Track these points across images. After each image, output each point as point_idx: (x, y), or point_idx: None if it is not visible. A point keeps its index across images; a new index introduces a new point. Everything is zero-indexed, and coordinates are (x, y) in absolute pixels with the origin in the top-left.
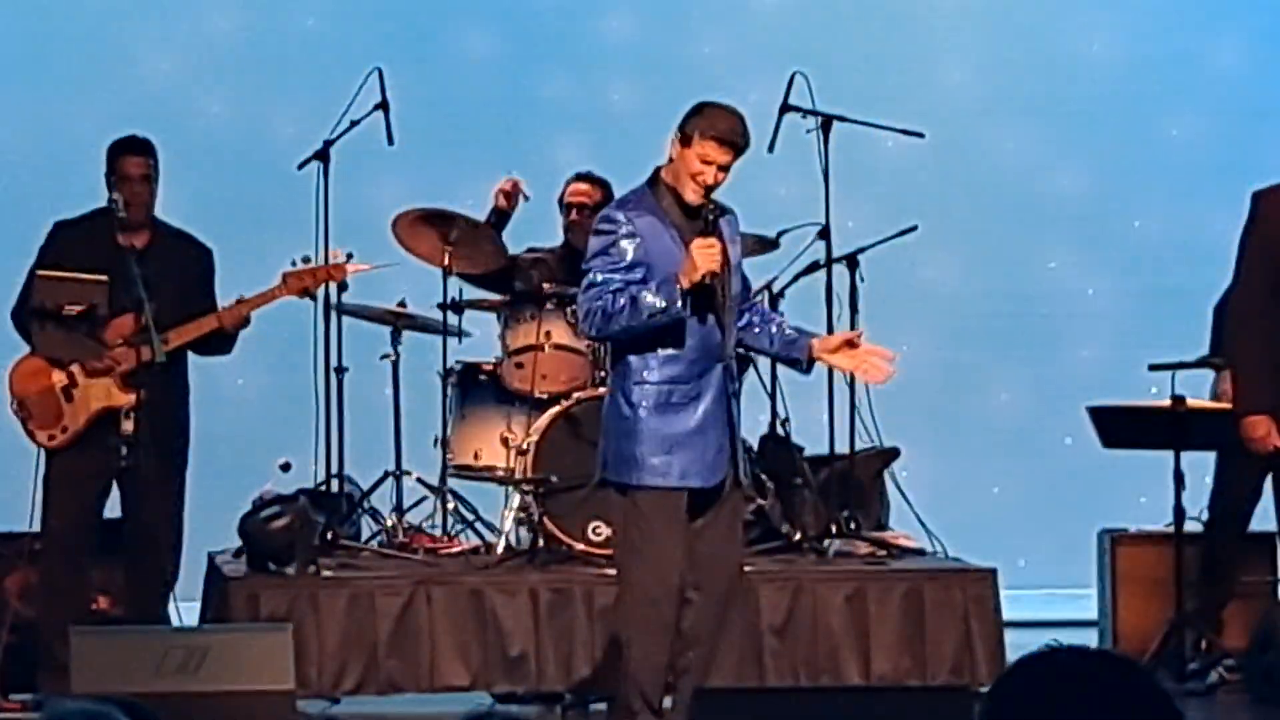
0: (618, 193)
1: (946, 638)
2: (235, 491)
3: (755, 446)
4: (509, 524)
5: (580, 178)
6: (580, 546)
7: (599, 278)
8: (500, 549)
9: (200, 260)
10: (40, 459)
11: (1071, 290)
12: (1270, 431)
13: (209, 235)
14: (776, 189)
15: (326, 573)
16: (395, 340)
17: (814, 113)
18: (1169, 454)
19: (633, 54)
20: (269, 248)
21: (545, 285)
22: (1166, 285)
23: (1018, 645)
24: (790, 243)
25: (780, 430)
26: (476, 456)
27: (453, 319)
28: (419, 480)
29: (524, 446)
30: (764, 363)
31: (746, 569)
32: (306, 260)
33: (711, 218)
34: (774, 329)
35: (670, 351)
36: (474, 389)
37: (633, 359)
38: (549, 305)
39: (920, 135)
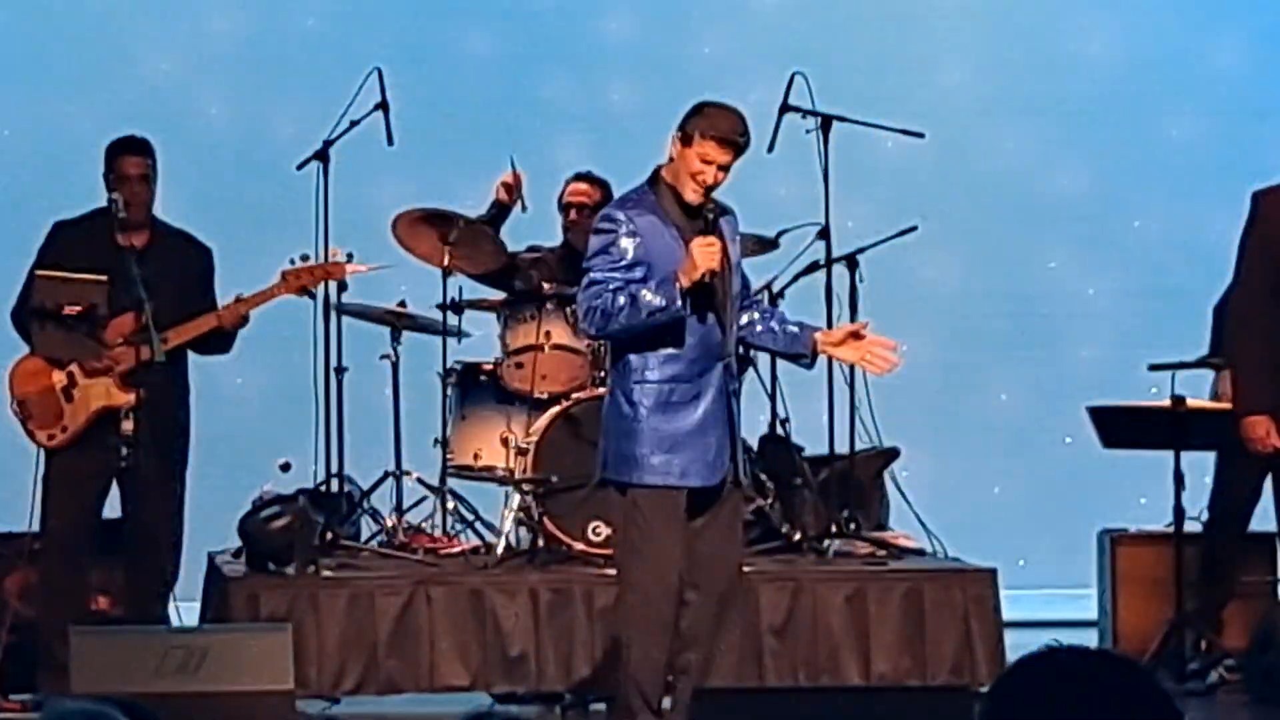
0: (617, 193)
1: (946, 638)
2: (235, 491)
3: (755, 446)
4: (509, 524)
5: (580, 178)
6: (580, 546)
7: (599, 276)
8: (500, 549)
9: (200, 260)
10: (40, 459)
11: (1071, 290)
12: (1270, 431)
13: (209, 235)
14: (776, 189)
15: (326, 573)
16: (395, 340)
17: (814, 113)
18: (1169, 454)
19: (633, 54)
20: (269, 248)
21: (545, 285)
22: (1166, 285)
23: (1018, 645)
24: (790, 243)
25: (780, 430)
26: (476, 457)
27: (452, 319)
28: (419, 480)
29: (524, 446)
30: (764, 363)
31: (747, 569)
32: (305, 258)
33: (711, 217)
34: (776, 325)
35: (670, 350)
36: (474, 389)
37: (633, 358)
38: (549, 305)
39: (920, 135)
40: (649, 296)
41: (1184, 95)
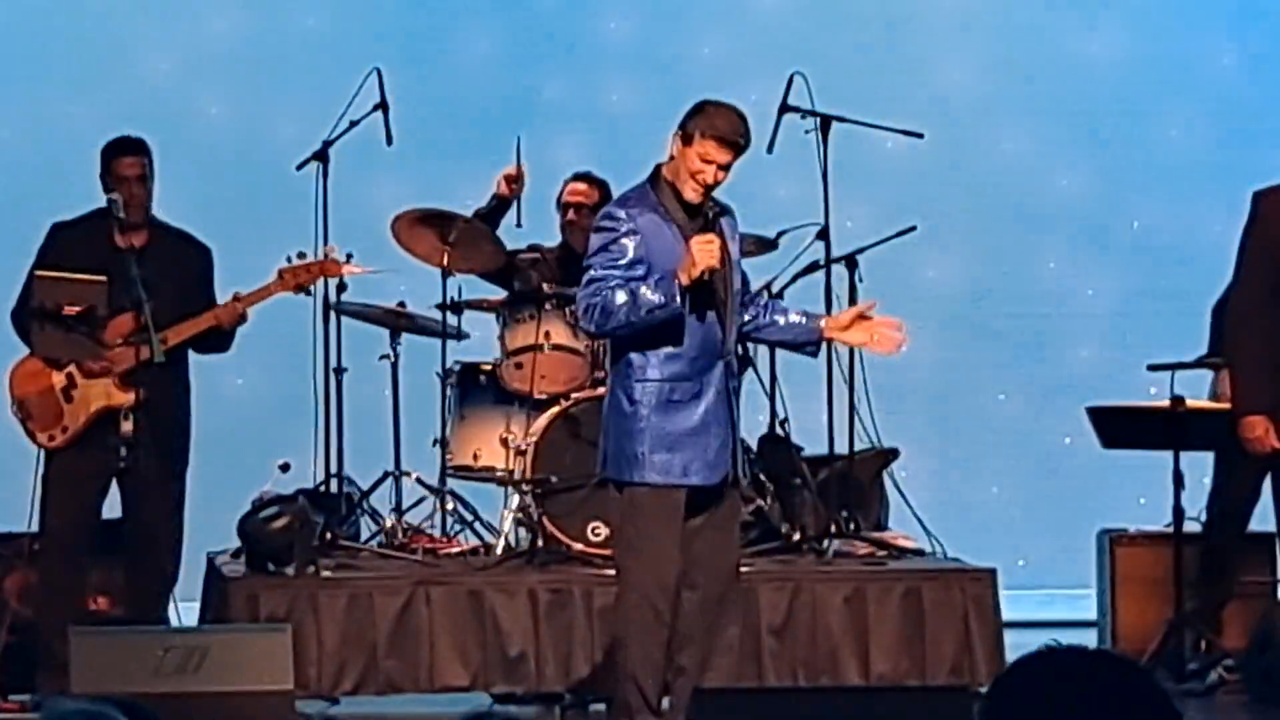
0: (616, 193)
1: (946, 638)
2: (235, 491)
3: (755, 446)
4: (508, 524)
5: (579, 177)
6: (579, 547)
7: (599, 274)
8: (499, 549)
9: (199, 259)
10: (40, 459)
11: (1071, 290)
12: (1268, 431)
13: (208, 235)
14: (776, 189)
15: (326, 573)
16: (394, 341)
17: (813, 113)
18: (1168, 454)
19: (633, 54)
20: (269, 248)
21: (544, 285)
22: (1166, 285)
23: (1017, 645)
24: (789, 243)
25: (779, 430)
26: (476, 457)
27: (451, 319)
28: (418, 481)
29: (523, 447)
30: (763, 363)
31: (746, 569)
32: (302, 256)
33: (711, 216)
34: (780, 317)
35: (671, 349)
36: (473, 389)
37: (634, 356)
38: (548, 306)
39: (920, 135)
40: (648, 294)
41: (1184, 95)
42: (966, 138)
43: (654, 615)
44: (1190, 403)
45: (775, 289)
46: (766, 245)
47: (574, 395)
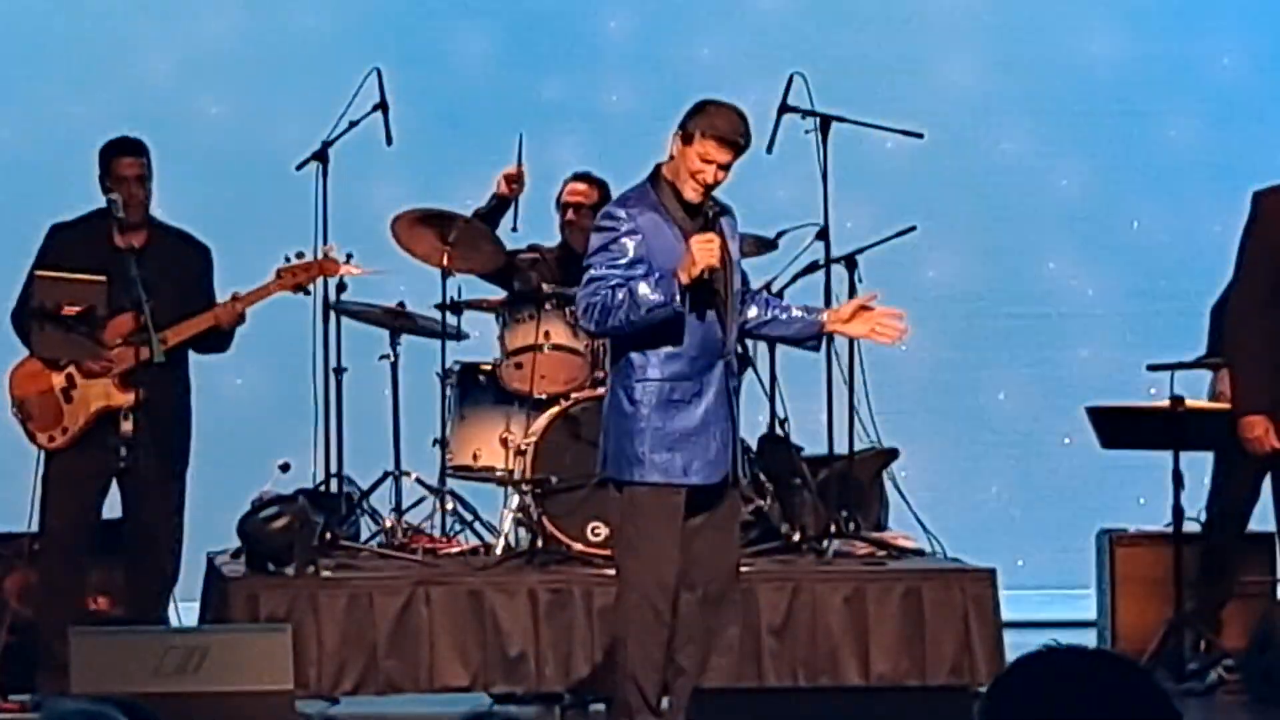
0: (615, 193)
1: (946, 638)
2: (234, 492)
3: (754, 446)
4: (508, 524)
5: (578, 177)
6: (579, 547)
7: (599, 273)
8: (499, 549)
9: (198, 259)
10: (40, 459)
11: (1071, 290)
12: (1268, 431)
13: (208, 235)
14: (775, 190)
15: (325, 573)
16: (394, 341)
17: (813, 113)
18: (1168, 454)
19: (633, 54)
20: (268, 248)
21: (544, 285)
22: (1165, 286)
23: (1017, 645)
24: (789, 243)
25: (779, 430)
26: (475, 457)
27: (451, 319)
28: (418, 481)
29: (523, 447)
30: (763, 362)
31: (746, 569)
32: (300, 255)
33: (711, 215)
34: (781, 314)
35: (671, 348)
36: (473, 389)
37: (634, 356)
38: (548, 306)
39: (919, 136)
40: (648, 292)
41: (1184, 95)
42: (966, 138)
43: (654, 615)
44: (1190, 403)
45: (775, 289)
46: (766, 245)
47: (574, 395)
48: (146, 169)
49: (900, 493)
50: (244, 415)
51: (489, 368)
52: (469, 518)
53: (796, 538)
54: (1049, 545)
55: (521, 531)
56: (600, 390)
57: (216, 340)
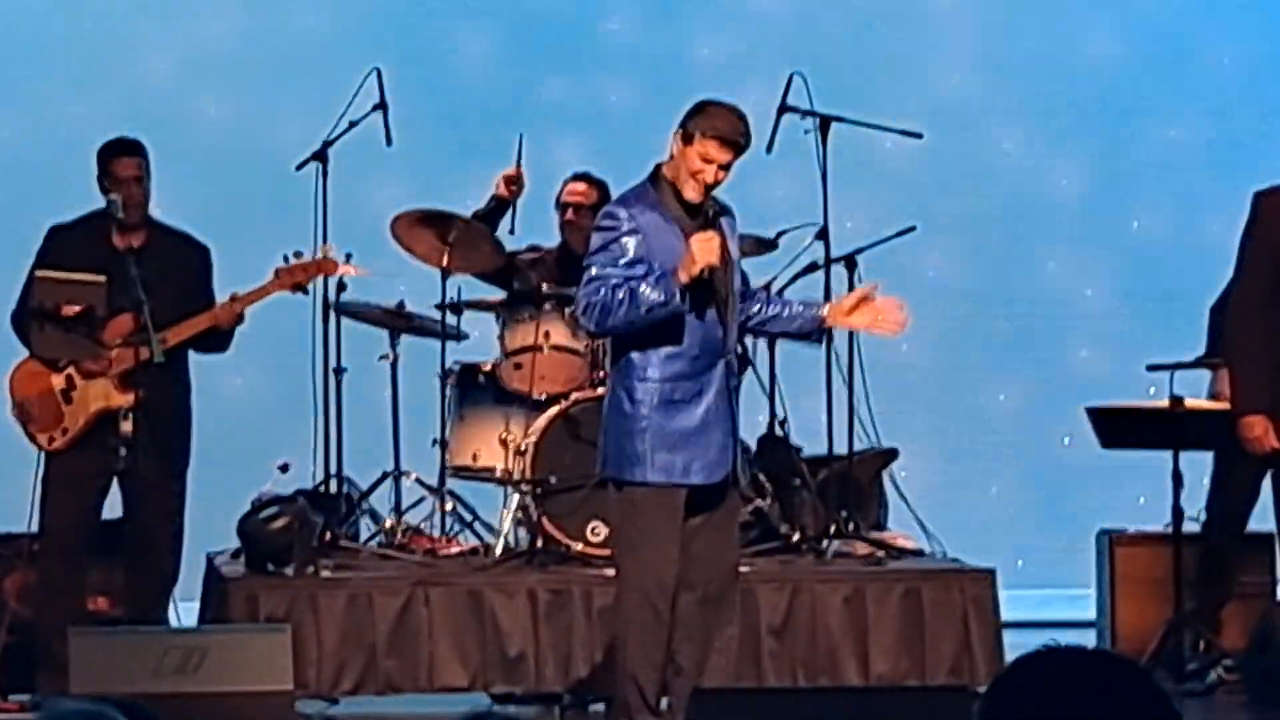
0: (615, 193)
1: (945, 638)
2: (234, 492)
3: (754, 446)
4: (508, 525)
5: (578, 178)
6: (579, 547)
7: (599, 272)
8: (499, 550)
9: (198, 259)
10: (40, 459)
11: (1070, 291)
12: (1267, 431)
13: (208, 236)
14: (775, 190)
15: (325, 573)
16: (394, 341)
17: (812, 113)
18: (1167, 454)
19: (632, 54)
20: (268, 248)
21: (544, 286)
22: (1165, 286)
23: (1016, 646)
24: (789, 243)
25: (779, 430)
26: (475, 457)
27: (451, 319)
28: (418, 481)
29: (522, 447)
30: (763, 362)
31: (745, 569)
32: (298, 255)
33: (711, 214)
34: (782, 309)
35: (672, 348)
36: (472, 390)
37: (635, 356)
38: (547, 306)
39: (919, 136)
40: (648, 291)
41: (1184, 95)
42: (966, 138)
43: (653, 615)
44: (1189, 402)
45: (775, 289)
46: (766, 245)
47: (573, 395)
48: (145, 169)
49: (900, 493)
50: (244, 415)
51: (489, 368)
52: (468, 518)
53: (796, 538)
54: (1049, 545)
55: (521, 532)
56: (600, 390)
57: (216, 340)
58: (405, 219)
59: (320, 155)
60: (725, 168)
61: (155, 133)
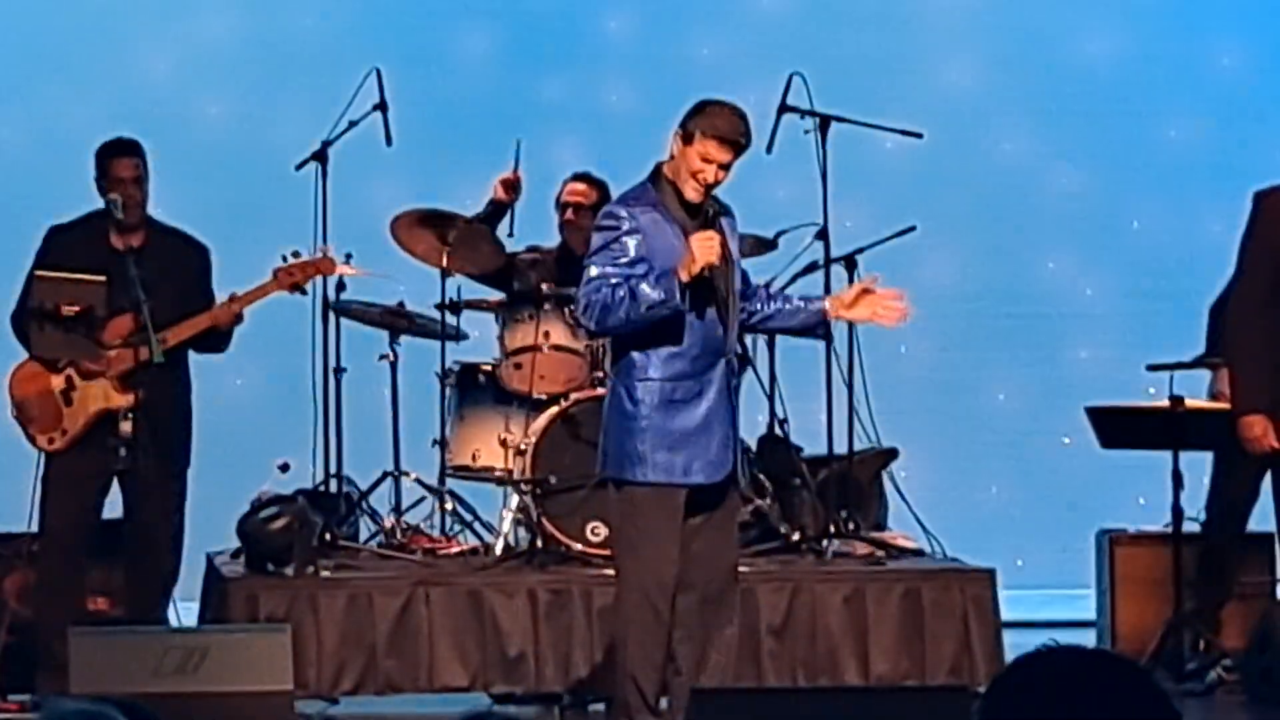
0: (615, 193)
1: (945, 638)
2: (234, 492)
3: (754, 446)
4: (507, 525)
5: (577, 178)
6: (579, 547)
7: (599, 271)
8: (499, 550)
9: (197, 259)
10: (40, 460)
11: (1070, 290)
12: (1267, 431)
13: (208, 236)
14: (775, 189)
15: (325, 573)
16: (394, 341)
17: (812, 113)
18: (1167, 454)
19: (632, 54)
20: (268, 248)
21: (543, 286)
22: (1165, 286)
23: (1016, 646)
24: (788, 243)
25: (779, 430)
26: (475, 457)
27: (451, 320)
28: (417, 481)
29: (522, 447)
30: (763, 362)
31: (745, 569)
32: (297, 255)
33: (711, 214)
34: (784, 306)
35: (672, 348)
36: (472, 389)
37: (635, 355)
38: (547, 306)
39: (919, 135)
40: (648, 290)
41: (1184, 95)
42: (966, 138)
43: (653, 615)
44: (1189, 402)
45: (774, 289)
46: (766, 245)
47: (573, 395)
48: (143, 170)
49: (900, 493)
50: (244, 415)
51: (488, 368)
52: (468, 518)
53: (796, 538)
54: (1049, 545)
55: (521, 531)
56: (600, 390)
57: (215, 340)
58: (405, 219)
59: (320, 155)
60: (725, 167)
61: (155, 133)
